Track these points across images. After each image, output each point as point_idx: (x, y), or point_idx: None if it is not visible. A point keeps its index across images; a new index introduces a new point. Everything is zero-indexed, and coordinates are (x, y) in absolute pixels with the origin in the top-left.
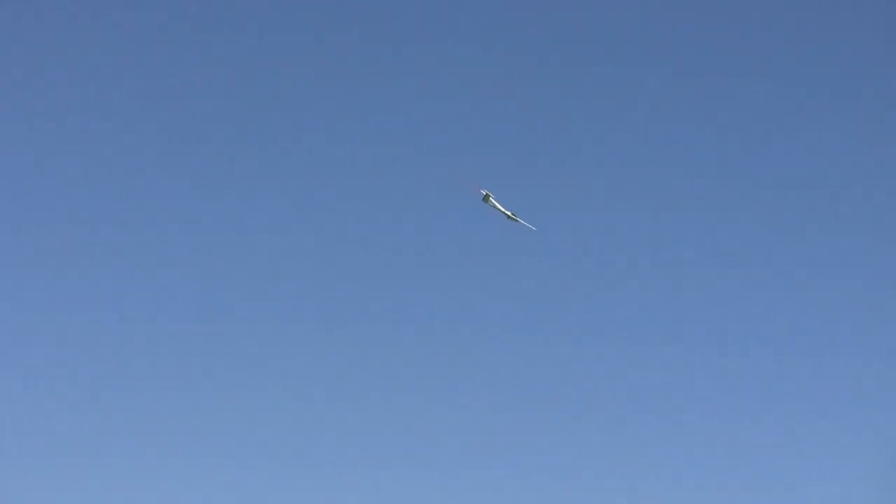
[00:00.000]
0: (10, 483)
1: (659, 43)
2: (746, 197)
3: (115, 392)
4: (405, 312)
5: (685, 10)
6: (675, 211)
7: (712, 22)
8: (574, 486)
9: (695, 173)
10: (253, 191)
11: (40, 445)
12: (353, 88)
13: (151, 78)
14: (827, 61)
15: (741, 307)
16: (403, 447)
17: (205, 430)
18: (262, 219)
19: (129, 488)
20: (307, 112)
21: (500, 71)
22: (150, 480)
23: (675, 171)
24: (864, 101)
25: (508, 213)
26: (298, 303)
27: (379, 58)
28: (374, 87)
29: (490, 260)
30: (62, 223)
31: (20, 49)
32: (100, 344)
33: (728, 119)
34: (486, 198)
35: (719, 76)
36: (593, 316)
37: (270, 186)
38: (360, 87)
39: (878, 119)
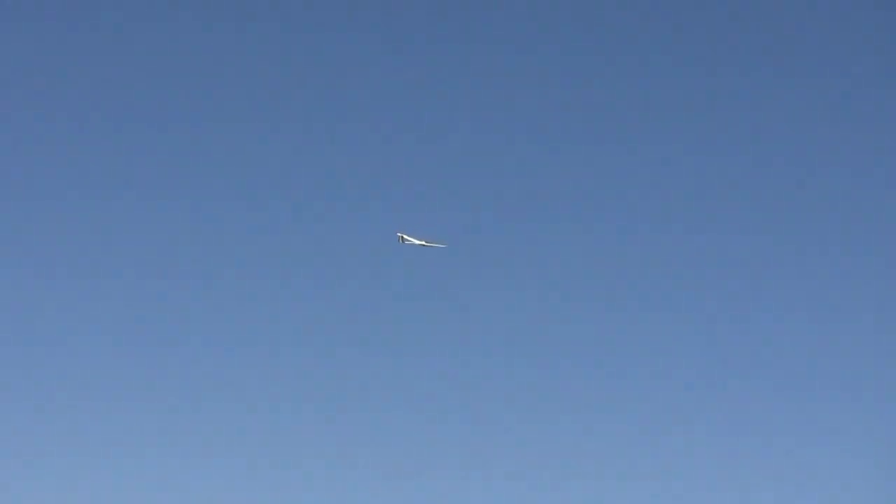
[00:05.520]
0: (10, 483)
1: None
2: (743, 199)
3: (115, 393)
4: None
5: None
6: (672, 218)
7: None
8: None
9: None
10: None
11: (38, 446)
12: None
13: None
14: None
15: (737, 307)
16: (400, 450)
17: (202, 432)
18: (260, 226)
19: (128, 488)
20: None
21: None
22: (149, 481)
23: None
24: (864, 102)
25: (422, 242)
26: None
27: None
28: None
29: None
30: (59, 223)
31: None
32: (99, 344)
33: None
34: (401, 239)
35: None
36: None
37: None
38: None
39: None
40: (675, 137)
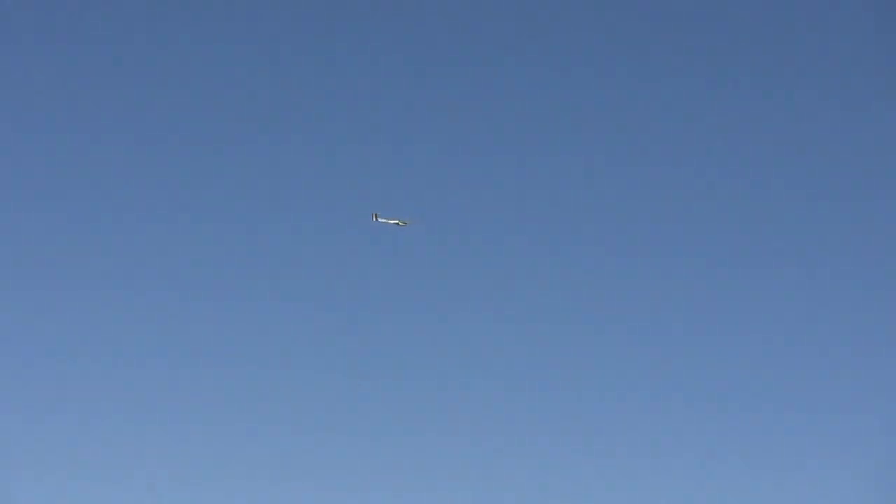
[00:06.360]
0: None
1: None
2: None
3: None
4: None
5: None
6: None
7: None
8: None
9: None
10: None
11: (38, 446)
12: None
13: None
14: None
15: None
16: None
17: (203, 429)
18: (260, 219)
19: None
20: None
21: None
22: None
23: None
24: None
25: (397, 221)
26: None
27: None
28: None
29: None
30: (59, 224)
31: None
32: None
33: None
34: (375, 217)
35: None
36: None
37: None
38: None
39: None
40: (671, 138)
